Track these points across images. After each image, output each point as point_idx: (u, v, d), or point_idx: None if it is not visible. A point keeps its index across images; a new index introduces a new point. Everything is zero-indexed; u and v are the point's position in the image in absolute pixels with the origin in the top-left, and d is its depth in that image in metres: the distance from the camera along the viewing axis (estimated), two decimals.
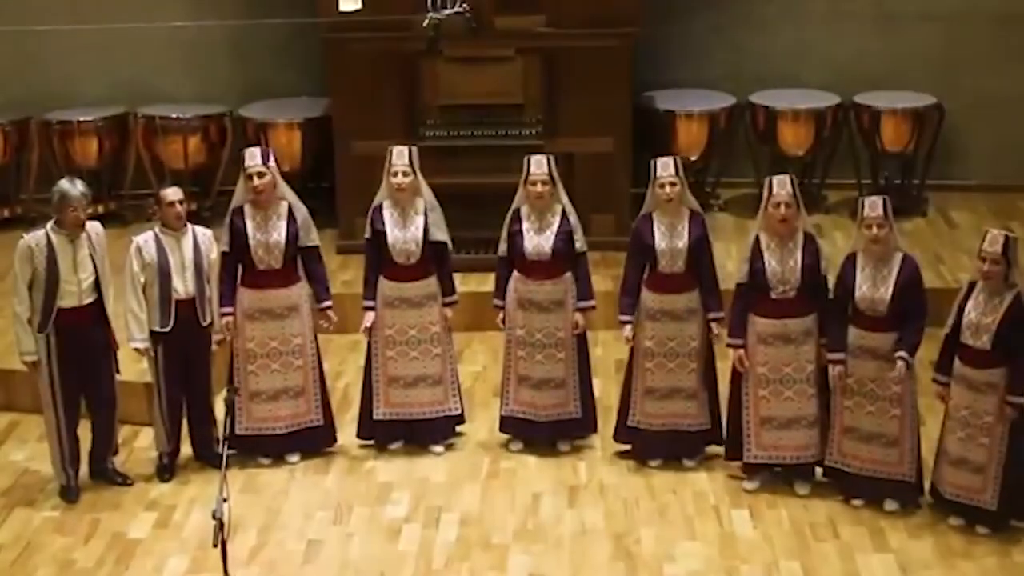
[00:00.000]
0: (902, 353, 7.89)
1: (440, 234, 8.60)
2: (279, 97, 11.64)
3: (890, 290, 7.92)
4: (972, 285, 7.86)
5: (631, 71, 10.78)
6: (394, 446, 8.83)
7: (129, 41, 11.35)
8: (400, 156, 8.55)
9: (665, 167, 8.36)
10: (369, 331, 8.66)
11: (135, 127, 11.57)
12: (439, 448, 8.81)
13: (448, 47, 9.77)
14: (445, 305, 8.68)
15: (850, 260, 8.04)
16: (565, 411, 8.69)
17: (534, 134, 10.59)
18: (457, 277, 8.86)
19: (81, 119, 11.54)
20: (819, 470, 8.35)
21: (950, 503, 7.99)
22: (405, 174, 8.53)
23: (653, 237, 8.37)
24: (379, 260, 8.63)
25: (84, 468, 8.56)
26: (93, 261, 8.29)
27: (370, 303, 8.64)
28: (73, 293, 8.26)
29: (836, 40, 11.63)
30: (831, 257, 8.43)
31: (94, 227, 8.38)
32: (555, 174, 8.51)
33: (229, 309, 8.51)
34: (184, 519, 8.24)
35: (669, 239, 8.35)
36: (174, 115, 11.46)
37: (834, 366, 8.06)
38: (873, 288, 7.95)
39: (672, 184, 8.33)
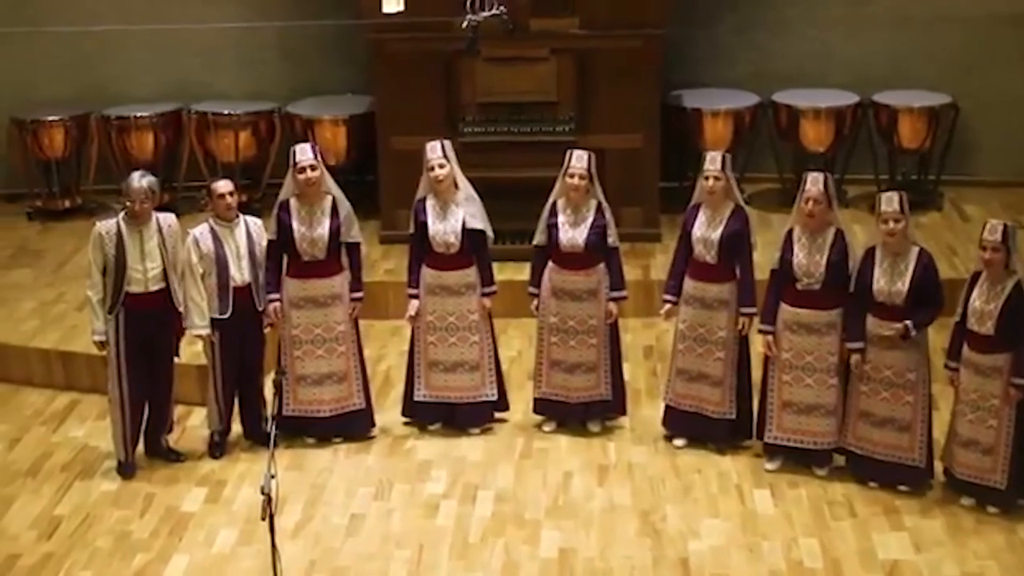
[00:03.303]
0: (908, 321, 7.85)
1: (478, 223, 8.58)
2: (325, 95, 11.66)
3: (907, 283, 7.87)
4: (977, 275, 7.83)
5: (660, 71, 10.75)
6: (434, 427, 8.83)
7: (183, 41, 11.38)
8: (433, 150, 8.55)
9: (712, 161, 8.34)
10: (413, 318, 8.69)
11: (188, 123, 11.60)
12: (476, 431, 8.82)
13: (486, 48, 9.74)
14: (484, 295, 8.66)
15: (869, 253, 8.00)
16: (596, 394, 8.69)
17: (567, 130, 10.57)
18: (494, 266, 8.85)
19: (138, 115, 11.58)
20: (836, 455, 8.31)
21: (962, 483, 7.95)
22: (441, 166, 8.52)
23: (693, 225, 8.37)
24: (422, 250, 8.63)
25: (140, 445, 8.58)
26: (162, 251, 8.33)
27: (414, 291, 8.64)
28: (140, 280, 8.29)
29: (856, 41, 11.58)
30: (856, 248, 8.40)
31: (167, 219, 8.42)
32: (593, 171, 8.49)
33: (275, 295, 8.52)
34: (234, 494, 8.28)
35: (705, 229, 8.34)
36: (226, 111, 11.48)
37: (853, 354, 8.04)
38: (890, 281, 7.91)
39: (716, 179, 8.31)
